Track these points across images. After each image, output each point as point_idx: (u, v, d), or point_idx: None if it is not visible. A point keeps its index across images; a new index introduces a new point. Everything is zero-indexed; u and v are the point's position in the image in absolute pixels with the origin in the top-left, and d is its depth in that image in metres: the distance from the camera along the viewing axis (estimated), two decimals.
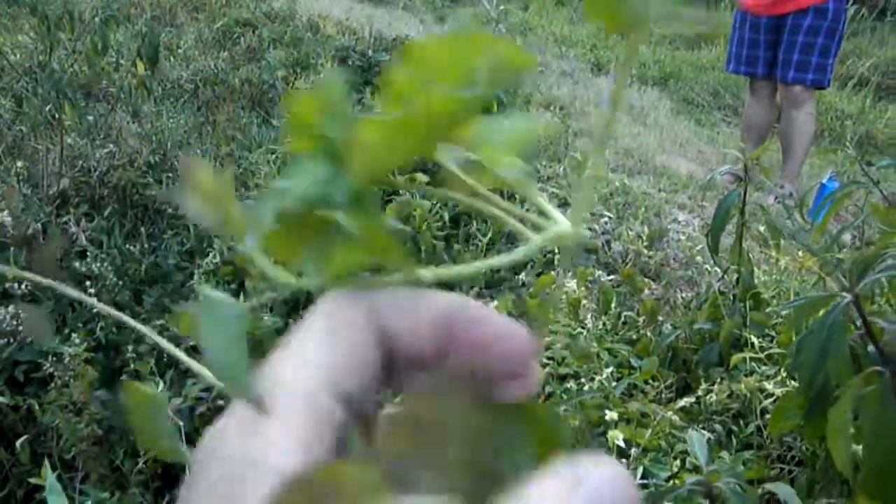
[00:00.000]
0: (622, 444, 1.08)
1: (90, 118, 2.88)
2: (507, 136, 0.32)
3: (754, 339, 1.52)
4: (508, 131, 0.32)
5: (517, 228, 0.29)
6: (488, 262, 0.29)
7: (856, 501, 0.54)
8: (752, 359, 1.55)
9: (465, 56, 0.25)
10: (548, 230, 0.28)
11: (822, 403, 0.59)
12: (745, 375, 1.49)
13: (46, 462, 1.32)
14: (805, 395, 0.59)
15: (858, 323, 0.63)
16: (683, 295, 2.23)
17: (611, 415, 1.24)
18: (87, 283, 2.24)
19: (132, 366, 2.08)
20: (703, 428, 1.42)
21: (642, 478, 1.19)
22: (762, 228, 1.91)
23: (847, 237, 1.86)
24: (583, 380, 1.50)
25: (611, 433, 1.09)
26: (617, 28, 0.23)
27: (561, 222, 0.29)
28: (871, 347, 0.56)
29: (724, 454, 1.36)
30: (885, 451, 0.52)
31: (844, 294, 0.57)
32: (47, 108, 2.73)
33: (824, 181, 2.91)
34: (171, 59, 3.68)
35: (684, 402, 1.34)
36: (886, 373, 0.55)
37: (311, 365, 0.24)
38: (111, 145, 2.86)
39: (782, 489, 0.67)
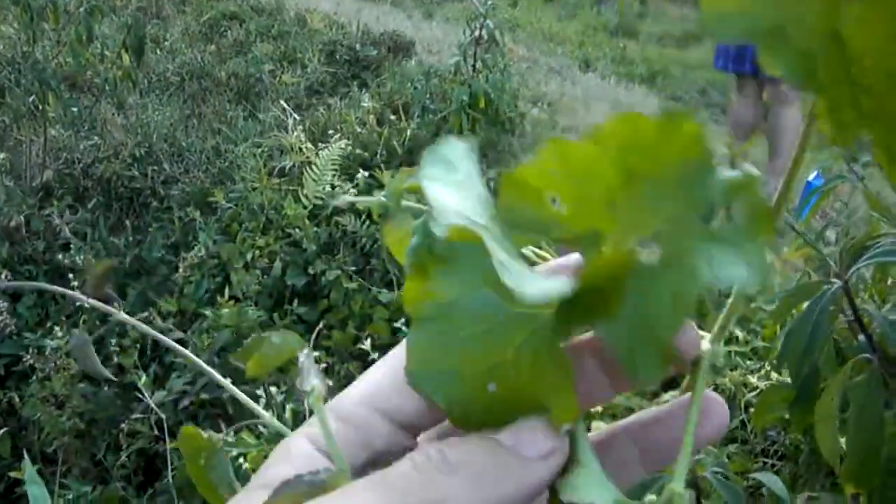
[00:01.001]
0: None
1: (74, 110, 2.85)
2: None
3: (739, 334, 1.53)
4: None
5: None
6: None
7: (842, 490, 0.54)
8: (736, 353, 1.55)
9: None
10: (705, 357, 0.27)
11: (809, 393, 0.59)
12: (730, 370, 1.49)
13: (25, 453, 1.30)
14: (793, 385, 0.59)
15: (847, 312, 0.63)
16: None
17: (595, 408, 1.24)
18: (71, 275, 2.21)
19: (116, 359, 2.07)
20: None
21: None
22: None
23: (832, 234, 1.86)
24: None
25: (594, 423, 1.09)
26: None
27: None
28: (860, 336, 0.56)
29: (709, 447, 1.36)
30: (869, 438, 0.52)
31: (834, 280, 0.56)
32: (31, 100, 2.70)
33: (810, 178, 2.92)
34: (158, 51, 3.65)
35: (669, 395, 1.34)
36: (875, 361, 0.55)
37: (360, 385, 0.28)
38: (96, 137, 2.83)
39: (768, 478, 0.67)
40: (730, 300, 0.28)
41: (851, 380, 0.54)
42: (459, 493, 0.23)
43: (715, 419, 0.28)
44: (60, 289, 0.80)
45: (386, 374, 0.27)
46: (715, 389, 1.53)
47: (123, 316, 0.89)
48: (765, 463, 1.32)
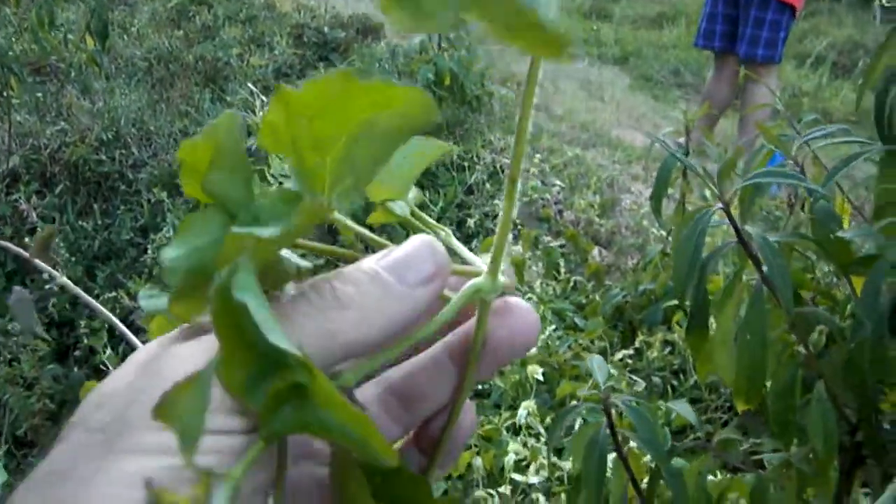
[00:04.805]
0: (540, 377, 1.11)
1: (39, 95, 2.84)
2: (396, 171, 0.32)
3: None
4: (396, 165, 0.32)
5: None
6: (414, 337, 0.28)
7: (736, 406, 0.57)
8: None
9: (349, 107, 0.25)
10: (466, 287, 0.28)
11: (701, 315, 0.61)
12: (679, 325, 1.53)
13: None
14: (681, 305, 0.61)
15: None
16: (633, 261, 2.27)
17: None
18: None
19: (86, 341, 2.07)
20: (644, 381, 1.45)
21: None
22: (707, 193, 1.95)
23: (783, 193, 1.90)
24: None
25: (529, 368, 1.12)
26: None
27: (476, 267, 0.29)
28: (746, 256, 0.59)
29: (662, 404, 1.40)
30: (753, 354, 0.55)
31: (717, 204, 0.59)
32: None
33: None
34: (125, 37, 3.63)
35: (622, 353, 1.38)
36: (758, 278, 0.57)
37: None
38: (62, 122, 2.82)
39: (680, 406, 0.70)
40: (497, 232, 0.28)
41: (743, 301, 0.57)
42: (350, 326, 0.25)
43: (526, 323, 0.30)
44: (7, 244, 0.81)
45: None
46: (671, 352, 1.57)
47: (65, 280, 0.91)
48: (717, 417, 1.36)
